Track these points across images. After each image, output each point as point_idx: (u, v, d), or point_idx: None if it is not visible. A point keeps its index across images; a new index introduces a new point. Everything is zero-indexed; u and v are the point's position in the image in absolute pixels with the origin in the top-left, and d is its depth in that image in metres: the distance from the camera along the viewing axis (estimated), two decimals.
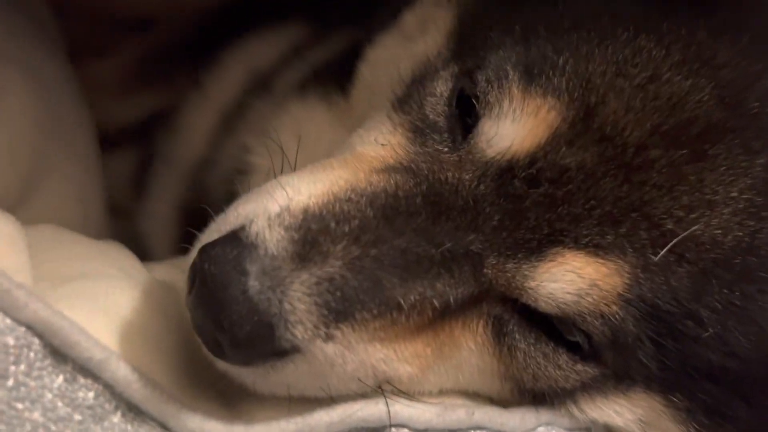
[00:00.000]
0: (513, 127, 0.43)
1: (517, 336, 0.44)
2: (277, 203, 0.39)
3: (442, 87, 0.48)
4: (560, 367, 0.44)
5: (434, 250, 0.40)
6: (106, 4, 1.24)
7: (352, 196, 0.41)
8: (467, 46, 0.50)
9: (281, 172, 0.49)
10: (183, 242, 0.84)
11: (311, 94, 0.66)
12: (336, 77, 0.66)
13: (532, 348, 0.44)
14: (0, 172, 0.54)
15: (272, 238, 0.37)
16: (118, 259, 0.49)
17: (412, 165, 0.45)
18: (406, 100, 0.51)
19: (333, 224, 0.39)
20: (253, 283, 0.36)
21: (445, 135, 0.46)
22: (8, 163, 0.56)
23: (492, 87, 0.45)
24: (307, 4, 0.96)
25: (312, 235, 0.38)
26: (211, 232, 0.41)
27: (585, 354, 0.43)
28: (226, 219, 0.41)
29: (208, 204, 0.83)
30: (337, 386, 0.41)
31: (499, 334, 0.44)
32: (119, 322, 0.40)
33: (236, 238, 0.38)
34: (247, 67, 0.90)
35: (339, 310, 0.37)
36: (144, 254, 0.92)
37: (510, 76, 0.45)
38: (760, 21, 0.52)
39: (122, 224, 0.97)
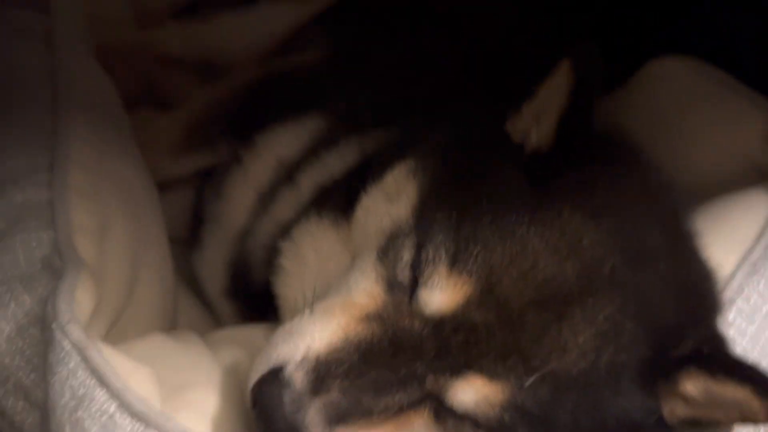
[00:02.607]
0: (440, 296, 0.70)
1: (447, 417, 0.72)
2: (300, 353, 0.67)
3: (406, 255, 0.74)
4: None
5: (394, 376, 0.68)
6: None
7: (345, 345, 0.68)
8: (422, 221, 0.76)
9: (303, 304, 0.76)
10: (229, 290, 1.12)
11: (325, 215, 0.91)
12: (343, 200, 0.91)
13: (457, 421, 0.72)
14: (116, 294, 0.82)
15: (297, 380, 0.65)
16: (202, 362, 0.77)
17: (384, 314, 0.72)
18: (386, 252, 0.77)
19: (333, 368, 0.66)
20: (288, 410, 0.64)
21: (407, 291, 0.73)
22: (117, 282, 0.83)
23: (428, 265, 0.71)
24: (324, 98, 1.19)
25: (320, 377, 0.66)
26: (261, 365, 0.68)
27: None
28: (269, 357, 0.68)
29: (249, 263, 1.09)
30: None
31: (437, 415, 0.72)
32: (213, 419, 0.69)
33: (277, 378, 0.65)
34: (275, 155, 1.12)
35: (337, 419, 0.66)
36: (199, 289, 1.19)
37: (442, 259, 0.71)
38: (623, 206, 0.78)
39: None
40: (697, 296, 0.79)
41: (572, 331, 0.69)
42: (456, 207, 0.74)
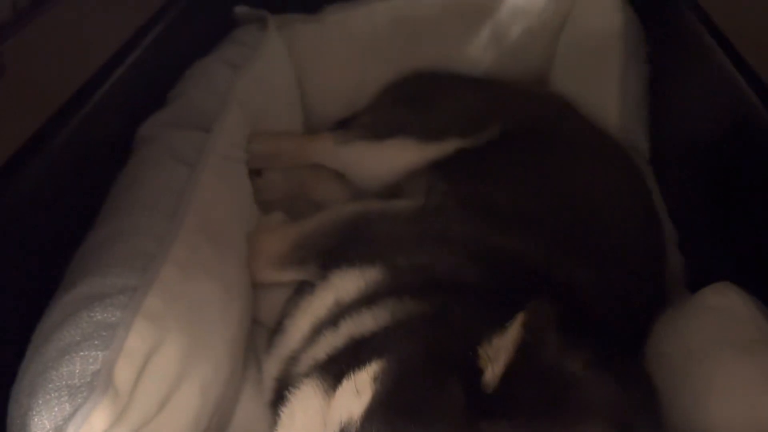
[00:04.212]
0: None
1: None
2: None
3: None
4: None
5: None
6: None
7: None
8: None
9: None
10: (272, 404, 1.28)
11: (323, 381, 1.04)
12: (347, 367, 1.03)
13: None
14: (143, 408, 1.02)
15: None
16: None
17: None
18: None
19: None
20: None
21: None
22: (149, 398, 1.04)
23: None
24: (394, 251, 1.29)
25: None
26: None
27: None
28: None
29: (286, 387, 1.24)
30: None
31: None
32: None
33: None
34: (336, 295, 1.22)
35: None
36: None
37: None
38: None
39: None
40: None
41: None
42: (389, 427, 0.84)
